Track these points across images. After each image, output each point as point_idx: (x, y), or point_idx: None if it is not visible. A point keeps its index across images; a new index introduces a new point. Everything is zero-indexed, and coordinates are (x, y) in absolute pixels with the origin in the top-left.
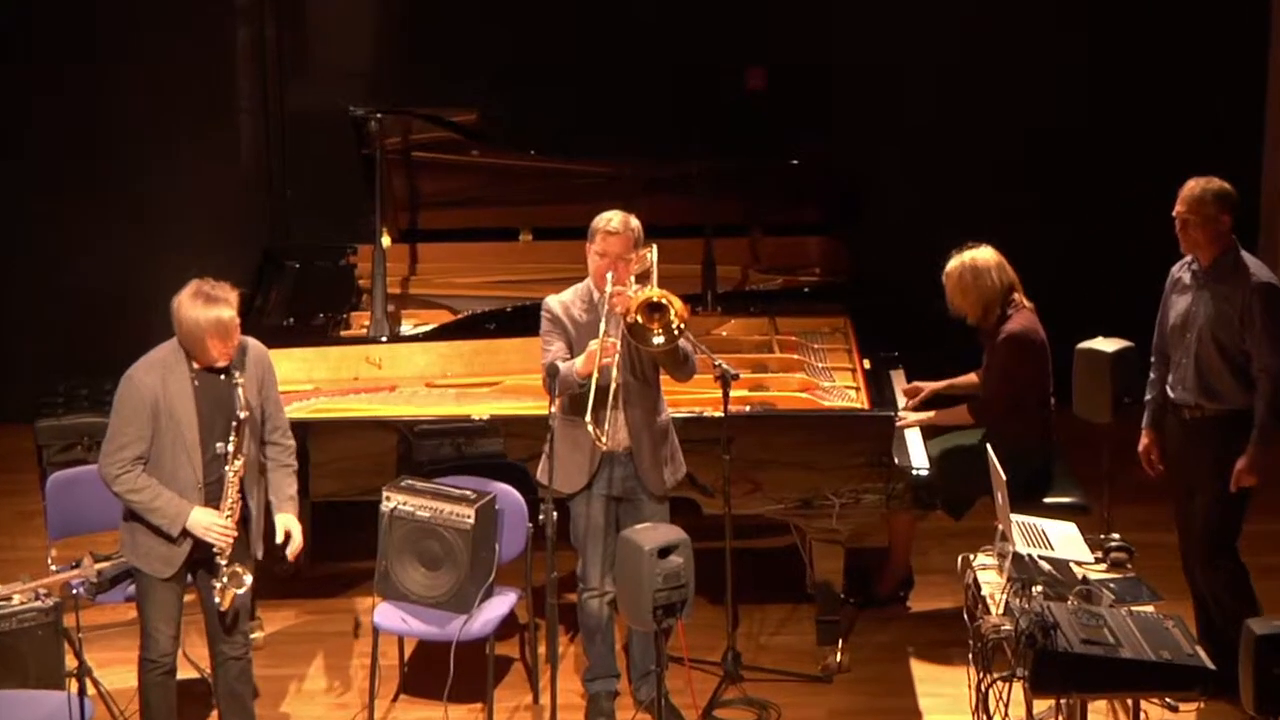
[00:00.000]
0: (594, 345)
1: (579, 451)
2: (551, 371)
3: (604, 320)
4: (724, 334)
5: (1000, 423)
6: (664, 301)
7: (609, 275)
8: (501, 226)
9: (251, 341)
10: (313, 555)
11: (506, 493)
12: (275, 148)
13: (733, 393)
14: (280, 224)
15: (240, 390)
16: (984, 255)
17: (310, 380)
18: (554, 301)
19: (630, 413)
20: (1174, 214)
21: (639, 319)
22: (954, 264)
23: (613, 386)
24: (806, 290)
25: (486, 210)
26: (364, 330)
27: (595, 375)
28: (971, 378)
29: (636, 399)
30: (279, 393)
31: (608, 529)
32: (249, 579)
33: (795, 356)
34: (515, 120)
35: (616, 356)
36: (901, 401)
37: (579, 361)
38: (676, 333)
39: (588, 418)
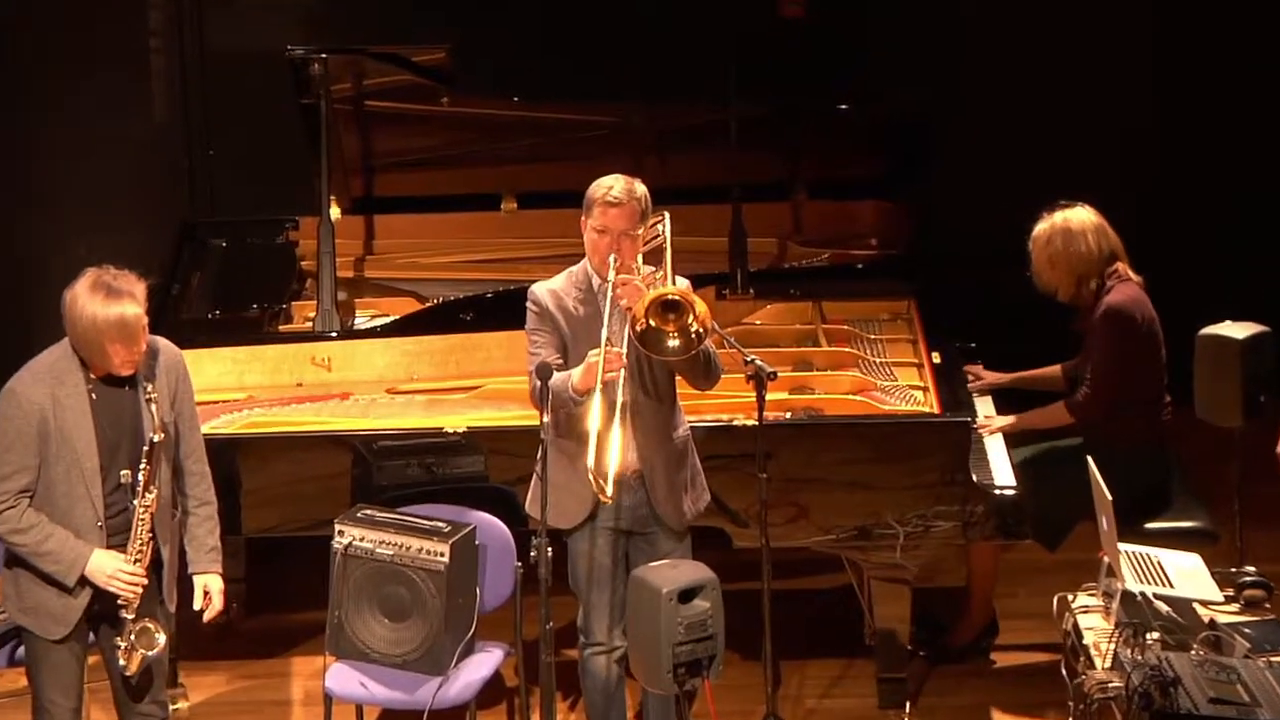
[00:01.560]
0: (594, 356)
1: (577, 478)
2: (543, 374)
3: (606, 314)
4: (758, 323)
5: (1105, 426)
6: (680, 300)
7: (611, 258)
8: (479, 193)
9: (161, 343)
10: (248, 605)
11: (489, 524)
12: (194, 96)
13: (770, 396)
14: (202, 192)
15: (154, 406)
16: (1079, 216)
17: (242, 387)
18: (542, 291)
19: (641, 434)
20: None
21: (651, 322)
22: (1042, 227)
23: (618, 406)
24: (860, 267)
25: (460, 172)
26: (309, 324)
27: (598, 392)
28: (1054, 370)
29: (649, 418)
30: (196, 407)
31: (615, 569)
32: (162, 638)
33: (847, 350)
34: (494, 59)
35: (623, 372)
36: (983, 411)
37: (576, 374)
38: (696, 339)
39: (589, 460)
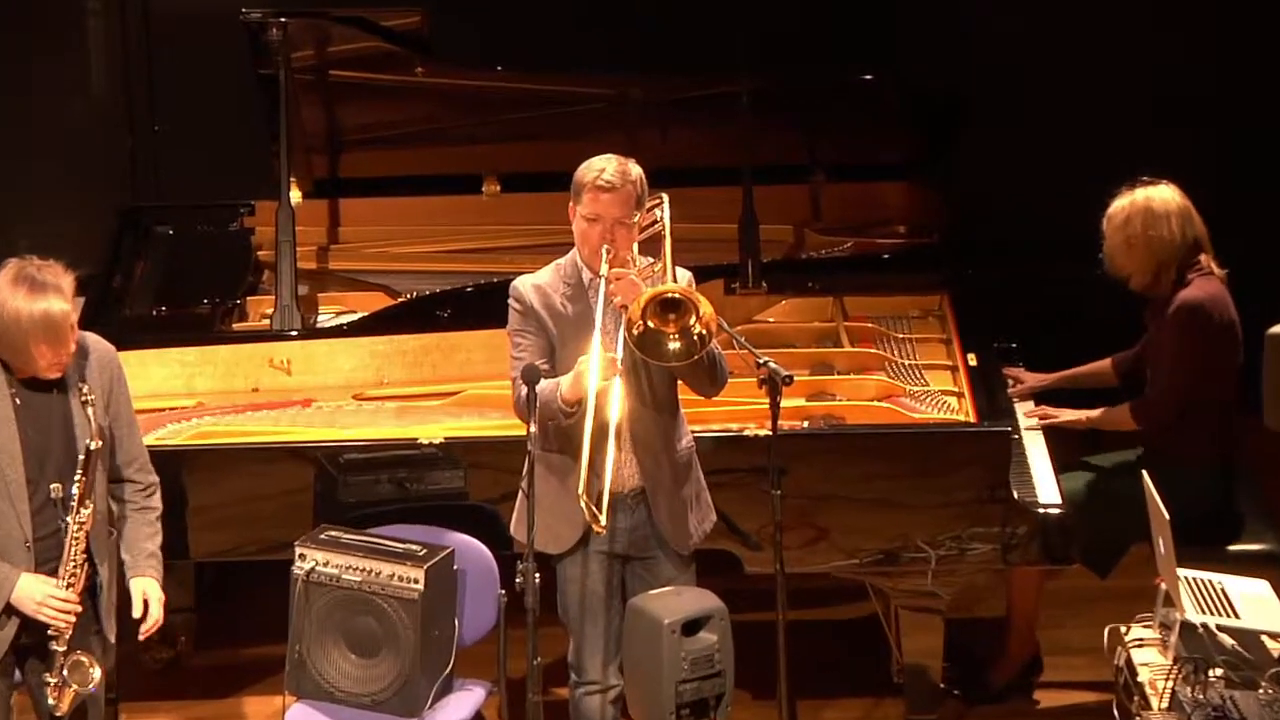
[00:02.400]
0: (584, 363)
1: (568, 496)
2: (529, 378)
3: (598, 314)
4: (772, 320)
5: (1165, 436)
6: (682, 298)
7: (604, 249)
8: (457, 174)
9: (91, 339)
10: (198, 638)
11: (469, 547)
12: (137, 65)
13: (785, 403)
14: (146, 173)
15: (91, 411)
16: (1163, 196)
17: (191, 393)
18: (526, 286)
19: (640, 448)
20: None
21: (649, 324)
22: (1120, 204)
23: (613, 418)
24: (887, 257)
25: (436, 151)
26: (266, 322)
27: (590, 405)
28: (1102, 365)
29: (648, 430)
30: (134, 411)
31: (611, 598)
32: (97, 673)
33: (872, 350)
34: (475, 25)
35: (619, 381)
36: (1025, 422)
37: (564, 383)
38: (700, 341)
39: (579, 485)
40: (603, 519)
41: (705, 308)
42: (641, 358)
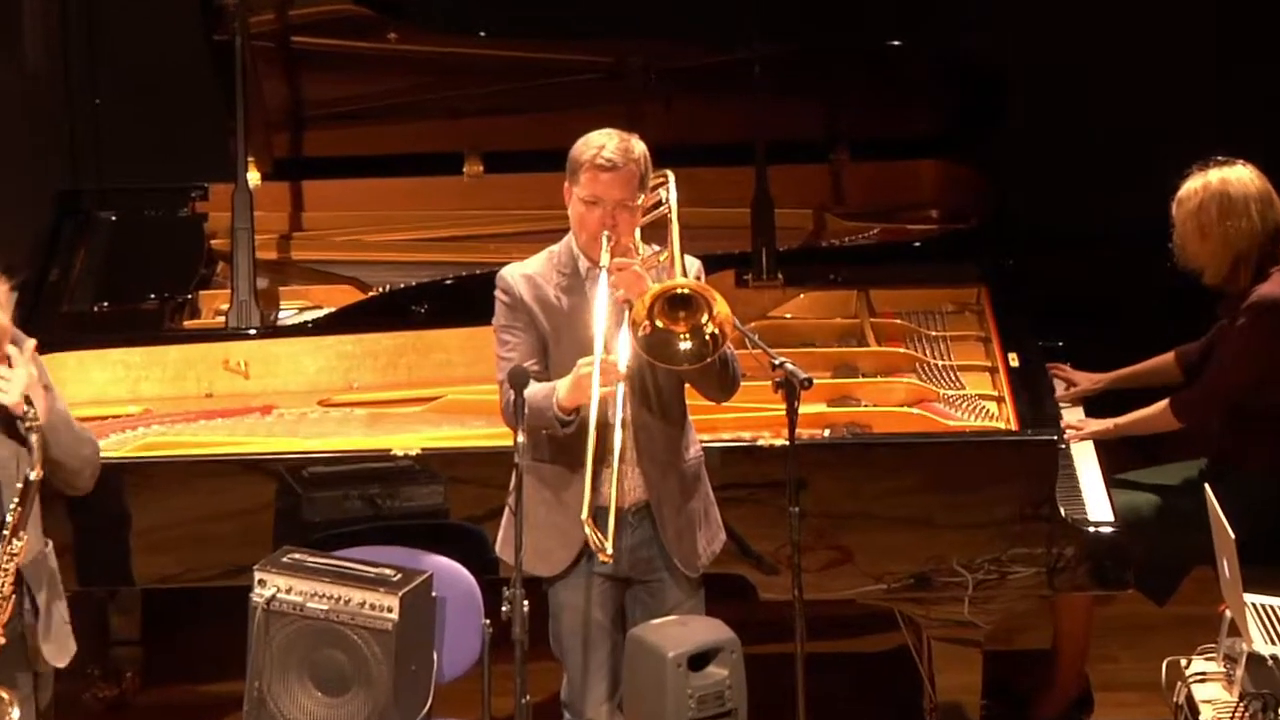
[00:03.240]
0: (584, 367)
1: (562, 511)
2: (516, 381)
3: (601, 312)
4: (789, 316)
5: (1231, 446)
6: (694, 294)
7: (604, 236)
8: (435, 152)
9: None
10: (146, 674)
11: (449, 571)
12: (76, 31)
13: (803, 409)
14: (86, 154)
15: (35, 437)
16: (1242, 178)
17: (137, 399)
18: (515, 276)
19: (646, 460)
20: None
21: (658, 323)
22: (1193, 186)
23: (618, 436)
24: (918, 245)
25: (411, 127)
26: (220, 319)
27: (591, 416)
28: (1164, 359)
29: (654, 440)
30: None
31: (610, 627)
32: (17, 713)
33: (901, 350)
34: None
35: (623, 386)
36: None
37: (561, 389)
38: (713, 342)
39: (584, 509)
40: (608, 546)
41: (719, 305)
42: (648, 360)
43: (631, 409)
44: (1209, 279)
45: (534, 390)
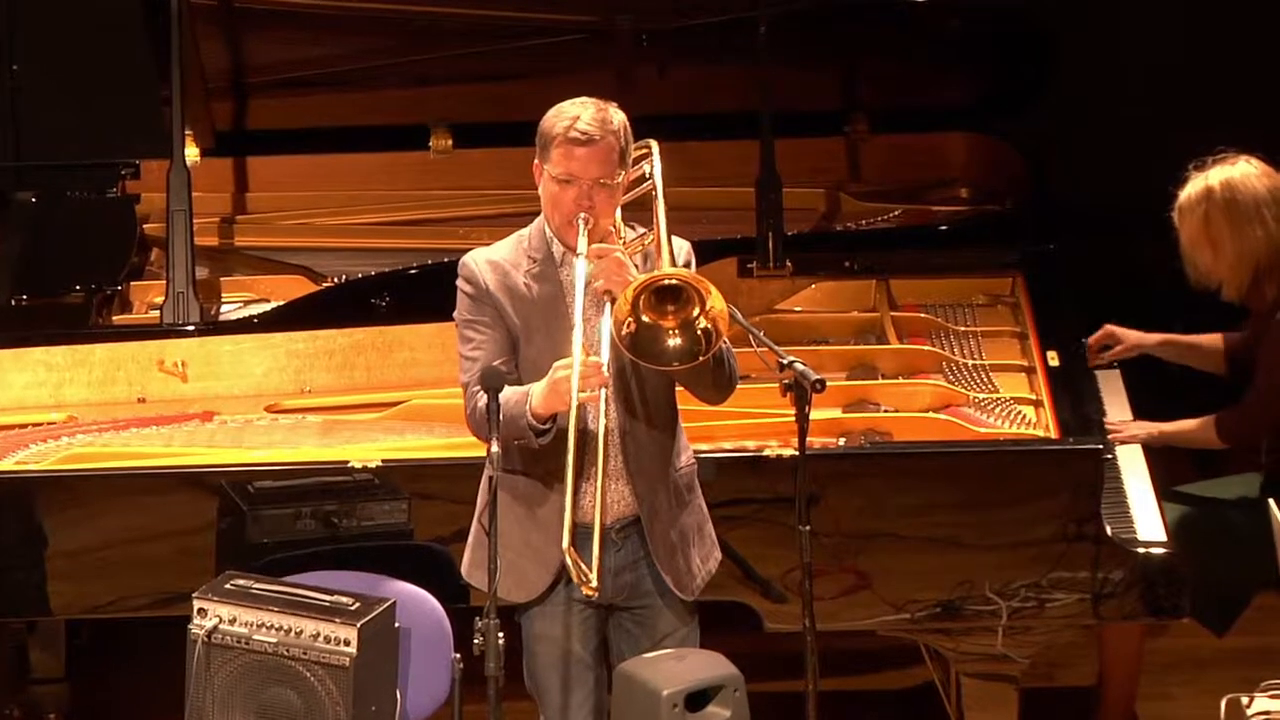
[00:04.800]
0: (561, 369)
1: (538, 529)
2: (490, 384)
3: (578, 304)
4: (799, 310)
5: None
6: (683, 285)
7: (580, 218)
8: (397, 124)
9: None
10: (70, 714)
11: (413, 598)
12: None
13: (815, 414)
14: (2, 126)
15: None
16: (1247, 178)
17: (60, 404)
18: (479, 261)
19: (633, 471)
20: None
21: (644, 318)
22: (1194, 190)
23: (601, 446)
24: (945, 229)
25: (370, 96)
26: (155, 314)
27: (570, 424)
28: (1213, 339)
29: (642, 448)
30: None
31: (594, 661)
32: None
33: (927, 348)
34: None
35: (605, 390)
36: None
37: (535, 395)
38: (706, 338)
39: (565, 539)
40: (594, 577)
41: (713, 296)
42: (633, 359)
43: (615, 414)
44: (1228, 295)
45: (504, 395)
